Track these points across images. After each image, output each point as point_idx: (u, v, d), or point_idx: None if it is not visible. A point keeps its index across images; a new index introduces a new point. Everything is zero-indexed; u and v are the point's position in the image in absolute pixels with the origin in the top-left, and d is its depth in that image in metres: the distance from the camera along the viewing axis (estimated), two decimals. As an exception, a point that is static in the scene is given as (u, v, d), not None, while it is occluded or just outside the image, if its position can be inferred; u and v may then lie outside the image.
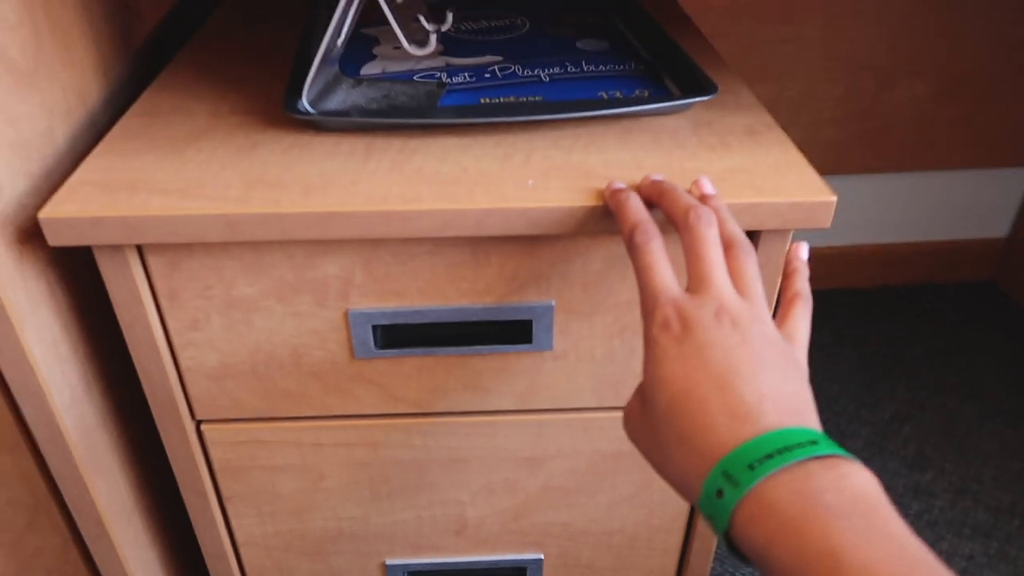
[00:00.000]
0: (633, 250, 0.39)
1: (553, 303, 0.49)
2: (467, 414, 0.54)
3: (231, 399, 0.53)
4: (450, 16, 0.52)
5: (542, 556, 0.63)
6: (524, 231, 0.44)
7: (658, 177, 0.44)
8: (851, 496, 0.29)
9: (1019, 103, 1.20)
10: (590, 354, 0.51)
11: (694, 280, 0.37)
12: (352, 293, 0.48)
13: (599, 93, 0.54)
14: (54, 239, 0.43)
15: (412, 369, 0.52)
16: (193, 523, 0.60)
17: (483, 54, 0.61)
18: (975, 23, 1.11)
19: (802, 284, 0.41)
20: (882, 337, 1.32)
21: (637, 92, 0.55)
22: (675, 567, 0.64)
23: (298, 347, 0.50)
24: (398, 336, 0.51)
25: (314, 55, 0.50)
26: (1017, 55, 1.15)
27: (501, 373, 0.52)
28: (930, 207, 1.33)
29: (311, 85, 0.50)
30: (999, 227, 1.38)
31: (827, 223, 0.44)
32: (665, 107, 0.52)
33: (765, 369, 0.34)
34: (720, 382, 0.33)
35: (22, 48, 0.47)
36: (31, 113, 0.48)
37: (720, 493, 0.31)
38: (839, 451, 0.31)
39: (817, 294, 1.41)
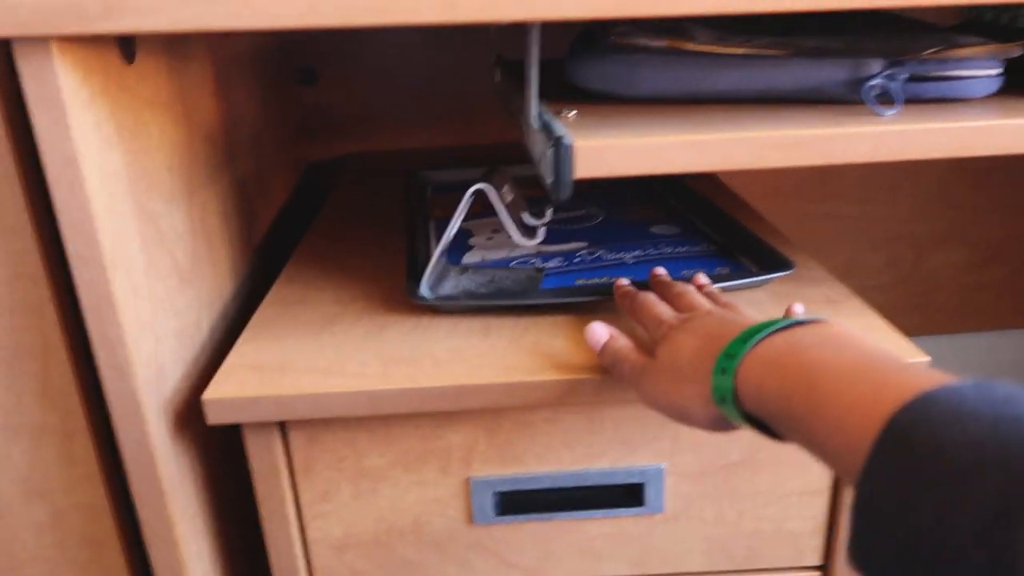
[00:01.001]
0: (633, 305, 0.50)
1: (663, 466, 0.51)
2: (579, 581, 0.55)
3: (351, 571, 0.55)
4: (550, 211, 0.60)
5: None
6: (636, 397, 0.48)
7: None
8: (827, 334, 0.36)
9: (1054, 264, 1.25)
10: (700, 515, 0.53)
11: (683, 308, 0.48)
12: (474, 460, 0.51)
13: (682, 272, 0.60)
14: (213, 418, 0.47)
15: (527, 535, 0.54)
16: None
17: (569, 241, 0.68)
18: (1004, 196, 1.19)
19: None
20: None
21: (718, 270, 0.60)
22: None
23: (420, 515, 0.53)
24: (515, 502, 0.53)
25: (423, 249, 0.56)
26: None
27: (614, 537, 0.54)
28: (982, 367, 1.35)
29: (427, 278, 0.57)
30: (1055, 384, 1.38)
31: (921, 380, 0.47)
32: (749, 283, 0.57)
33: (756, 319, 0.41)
34: (720, 330, 0.40)
35: (185, 252, 0.54)
36: (187, 306, 0.54)
37: (723, 371, 0.38)
38: (823, 318, 0.38)
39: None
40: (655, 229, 0.70)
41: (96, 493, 0.51)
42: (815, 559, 0.54)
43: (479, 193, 0.55)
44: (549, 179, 0.45)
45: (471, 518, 0.53)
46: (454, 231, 0.58)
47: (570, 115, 0.51)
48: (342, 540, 0.53)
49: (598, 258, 0.64)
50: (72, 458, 0.50)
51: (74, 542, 0.52)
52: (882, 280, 1.23)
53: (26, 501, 0.51)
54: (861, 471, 0.29)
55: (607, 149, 0.44)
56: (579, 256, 0.64)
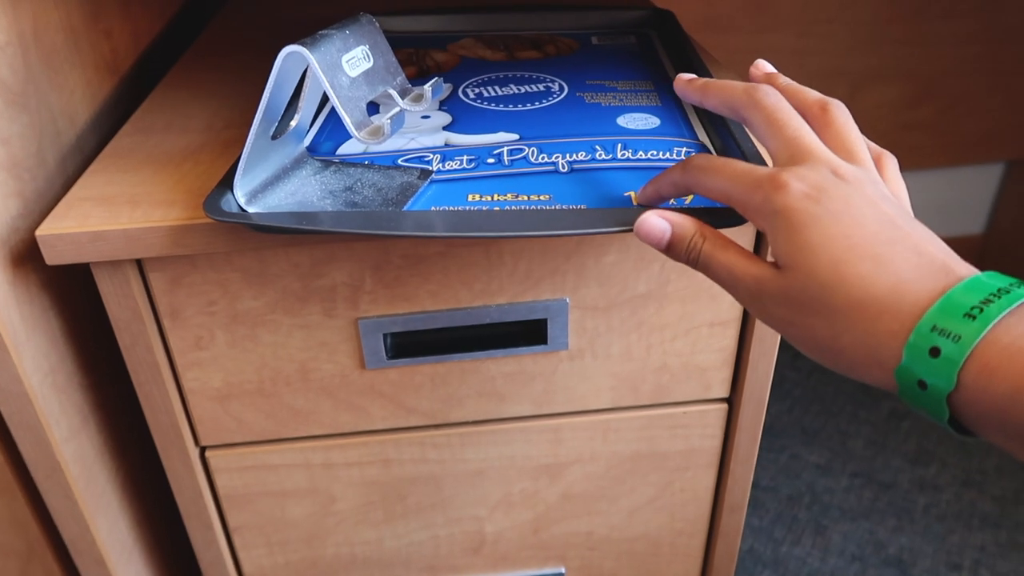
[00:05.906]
0: (751, 108, 0.35)
1: (568, 300, 0.48)
2: (482, 423, 0.53)
3: (236, 421, 0.51)
4: (428, 91, 0.42)
5: (563, 570, 0.61)
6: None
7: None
8: None
9: (986, 102, 1.23)
10: (606, 352, 0.50)
11: (787, 153, 0.33)
12: (362, 301, 0.47)
13: (625, 193, 0.42)
14: (52, 258, 0.41)
15: (424, 378, 0.51)
16: (198, 557, 0.57)
17: (496, 130, 0.47)
18: (940, 30, 1.14)
19: (871, 145, 0.37)
20: (871, 339, 1.33)
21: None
22: (699, 572, 0.63)
23: (306, 361, 0.49)
24: (410, 344, 0.49)
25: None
26: (982, 58, 1.18)
27: (516, 377, 0.51)
28: (912, 207, 1.35)
29: (243, 175, 0.40)
30: (975, 223, 1.40)
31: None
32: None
33: (912, 223, 0.31)
34: (887, 236, 0.30)
35: (11, 68, 0.46)
36: (21, 134, 0.46)
37: (935, 351, 0.27)
38: None
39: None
40: (624, 119, 0.48)
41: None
42: (722, 391, 0.53)
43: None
44: None
45: (363, 363, 0.49)
46: (263, 111, 0.40)
47: None
48: (223, 390, 0.49)
49: (522, 160, 0.44)
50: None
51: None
52: (815, 119, 1.19)
53: None
54: None
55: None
56: (497, 154, 0.45)
